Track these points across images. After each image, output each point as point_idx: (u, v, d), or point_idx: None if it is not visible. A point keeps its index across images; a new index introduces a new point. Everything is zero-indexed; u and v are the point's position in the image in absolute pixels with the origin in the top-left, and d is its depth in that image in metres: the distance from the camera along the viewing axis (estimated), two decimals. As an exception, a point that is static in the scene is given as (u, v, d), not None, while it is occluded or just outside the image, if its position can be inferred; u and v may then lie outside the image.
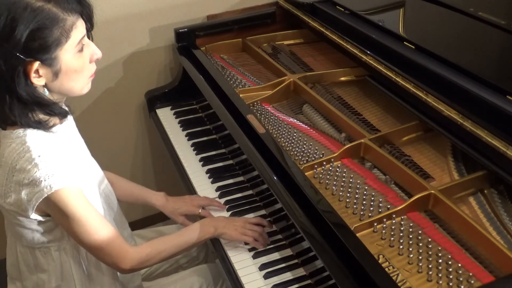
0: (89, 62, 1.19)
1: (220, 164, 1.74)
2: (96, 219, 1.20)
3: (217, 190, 1.62)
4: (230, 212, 1.53)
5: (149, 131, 2.27)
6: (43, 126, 1.17)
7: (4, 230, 1.37)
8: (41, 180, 1.11)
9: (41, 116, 1.17)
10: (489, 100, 1.25)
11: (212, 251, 1.71)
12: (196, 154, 1.79)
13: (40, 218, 1.21)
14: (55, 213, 1.18)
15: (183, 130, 1.91)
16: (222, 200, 1.58)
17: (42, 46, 1.08)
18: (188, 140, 1.86)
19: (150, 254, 1.28)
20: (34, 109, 1.15)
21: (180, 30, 1.99)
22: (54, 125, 1.20)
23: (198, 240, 1.35)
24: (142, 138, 2.30)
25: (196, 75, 1.84)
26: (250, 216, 1.51)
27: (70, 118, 1.30)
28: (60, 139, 1.22)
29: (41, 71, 1.11)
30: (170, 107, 2.03)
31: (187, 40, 2.00)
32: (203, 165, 1.74)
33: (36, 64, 1.09)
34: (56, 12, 1.08)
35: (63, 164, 1.16)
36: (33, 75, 1.11)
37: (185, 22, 2.07)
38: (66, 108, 1.25)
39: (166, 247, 1.32)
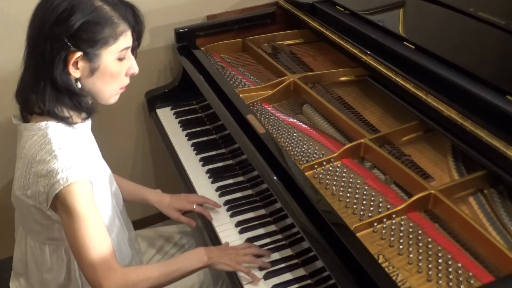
0: (125, 75, 1.24)
1: (220, 164, 1.74)
2: (97, 226, 1.17)
3: (217, 190, 1.62)
4: (230, 212, 1.53)
5: (149, 131, 2.27)
6: (66, 120, 1.21)
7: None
8: (58, 172, 1.13)
9: (67, 112, 1.22)
10: (489, 100, 1.25)
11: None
12: (196, 154, 1.79)
13: (53, 214, 1.21)
14: (62, 207, 1.17)
15: (183, 130, 1.91)
16: (222, 200, 1.58)
17: (90, 39, 1.14)
18: (188, 140, 1.86)
19: (138, 279, 1.20)
20: (64, 100, 1.19)
21: (180, 30, 1.99)
22: (75, 122, 1.24)
23: (190, 269, 1.29)
24: (142, 138, 2.30)
25: (196, 75, 1.84)
26: (251, 215, 1.51)
27: (89, 125, 1.33)
28: (79, 136, 1.26)
29: (80, 64, 1.16)
30: (170, 107, 2.03)
31: (187, 40, 2.00)
32: (203, 165, 1.74)
33: (78, 55, 1.14)
34: (112, 15, 1.16)
35: (81, 159, 1.18)
36: (71, 65, 1.15)
37: (185, 22, 2.07)
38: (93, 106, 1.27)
39: (155, 275, 1.23)
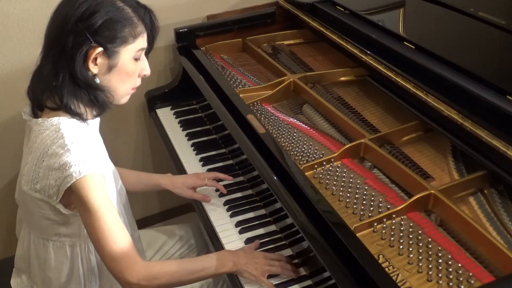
0: (137, 76, 1.29)
1: (220, 164, 1.74)
2: (113, 217, 1.18)
3: (217, 190, 1.62)
4: (230, 212, 1.53)
5: (149, 131, 2.27)
6: (80, 116, 1.24)
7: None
8: (72, 165, 1.15)
9: (83, 108, 1.25)
10: (489, 100, 1.25)
11: (212, 251, 1.71)
12: (196, 154, 1.79)
13: (62, 208, 1.22)
14: (76, 201, 1.19)
15: (183, 130, 1.91)
16: (222, 200, 1.58)
17: (111, 36, 1.19)
18: (188, 140, 1.86)
19: (161, 272, 1.20)
20: (81, 95, 1.22)
21: (180, 30, 1.99)
22: (87, 119, 1.27)
23: (214, 270, 1.27)
24: (142, 138, 2.30)
25: (196, 75, 1.84)
26: (250, 215, 1.51)
27: (97, 123, 1.35)
28: (90, 132, 1.29)
29: (98, 60, 1.20)
30: (170, 107, 2.03)
31: (187, 40, 2.00)
32: (203, 165, 1.74)
33: (98, 50, 1.18)
34: (132, 16, 1.22)
35: (93, 153, 1.21)
36: (91, 61, 1.19)
37: (185, 22, 2.07)
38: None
39: (179, 269, 1.23)
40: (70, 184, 1.15)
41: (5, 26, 1.83)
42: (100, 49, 1.18)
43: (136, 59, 1.26)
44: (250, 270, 1.29)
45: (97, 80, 1.22)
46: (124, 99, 1.31)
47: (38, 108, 1.26)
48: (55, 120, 1.21)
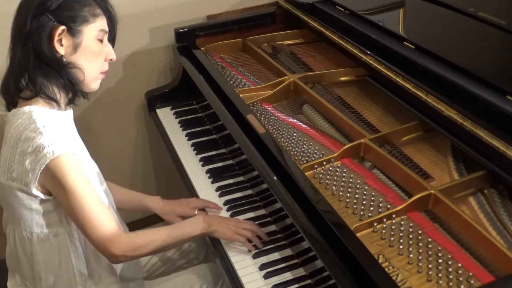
0: (104, 60, 1.32)
1: (220, 164, 1.74)
2: (92, 195, 1.22)
3: (217, 190, 1.62)
4: (230, 212, 1.53)
5: (149, 131, 2.27)
6: (55, 102, 1.27)
7: (1, 233, 1.38)
8: (45, 146, 1.17)
9: (57, 92, 1.28)
10: (489, 100, 1.25)
11: (212, 251, 1.71)
12: (196, 154, 1.80)
13: (40, 195, 1.23)
14: (53, 184, 1.20)
15: (183, 130, 1.91)
16: (222, 200, 1.58)
17: (71, 15, 1.24)
18: (188, 140, 1.86)
19: (143, 242, 1.28)
20: (54, 76, 1.25)
21: (180, 30, 1.99)
22: (60, 108, 1.30)
23: (191, 234, 1.37)
24: (142, 138, 2.30)
25: (196, 75, 1.84)
26: (251, 215, 1.51)
27: (71, 116, 1.37)
28: (63, 120, 1.31)
29: (64, 41, 1.24)
30: (170, 107, 2.03)
31: (187, 40, 2.00)
32: (203, 165, 1.74)
33: (61, 29, 1.22)
34: None
35: (66, 136, 1.23)
36: (56, 41, 1.23)
37: (185, 22, 2.07)
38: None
39: (160, 237, 1.31)
40: (45, 165, 1.17)
41: (5, 26, 1.82)
42: (62, 27, 1.22)
43: (100, 40, 1.29)
44: (222, 229, 1.39)
45: (65, 61, 1.25)
46: (94, 84, 1.33)
47: (11, 103, 1.30)
48: (27, 109, 1.24)
